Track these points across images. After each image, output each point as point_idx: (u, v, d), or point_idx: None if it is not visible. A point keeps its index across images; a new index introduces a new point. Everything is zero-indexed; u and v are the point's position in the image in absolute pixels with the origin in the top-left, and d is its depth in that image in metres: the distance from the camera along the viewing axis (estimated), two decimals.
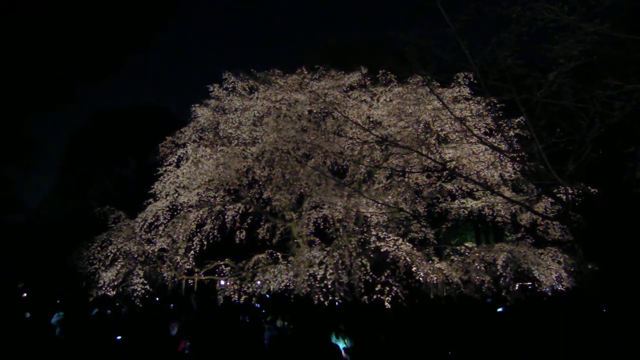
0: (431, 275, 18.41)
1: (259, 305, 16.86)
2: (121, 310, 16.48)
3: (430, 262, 19.00)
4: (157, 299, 20.00)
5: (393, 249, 18.11)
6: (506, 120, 17.73)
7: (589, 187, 15.72)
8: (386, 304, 16.91)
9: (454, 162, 18.69)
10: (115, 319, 14.68)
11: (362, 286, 18.65)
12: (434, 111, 19.34)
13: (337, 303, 17.41)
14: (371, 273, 18.50)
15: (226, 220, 20.56)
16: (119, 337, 10.54)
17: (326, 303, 17.36)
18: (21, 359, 9.51)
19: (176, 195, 20.08)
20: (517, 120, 17.50)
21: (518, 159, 12.94)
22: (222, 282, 22.29)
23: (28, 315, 15.00)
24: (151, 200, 20.55)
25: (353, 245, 18.82)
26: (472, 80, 18.92)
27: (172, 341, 10.49)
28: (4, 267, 34.20)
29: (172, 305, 16.76)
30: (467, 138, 17.71)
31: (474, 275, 19.01)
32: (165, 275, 20.09)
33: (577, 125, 9.31)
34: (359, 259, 18.65)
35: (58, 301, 18.71)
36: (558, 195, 12.11)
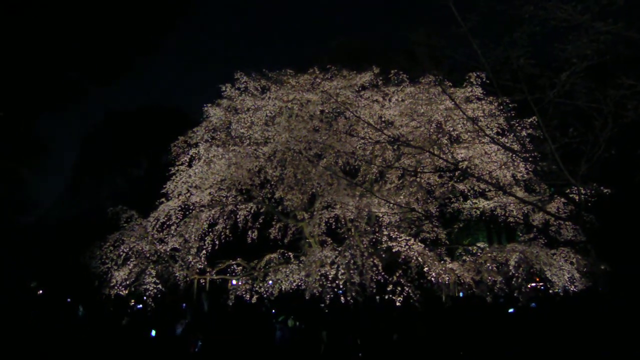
0: (443, 276, 18.38)
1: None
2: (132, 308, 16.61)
3: (442, 262, 18.96)
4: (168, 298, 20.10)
5: (405, 249, 18.09)
6: (518, 120, 17.69)
7: (602, 188, 15.64)
8: (397, 303, 16.93)
9: (466, 162, 18.65)
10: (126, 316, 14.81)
11: (374, 286, 18.63)
12: (446, 111, 19.29)
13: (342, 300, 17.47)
14: (383, 273, 18.48)
15: (238, 219, 20.59)
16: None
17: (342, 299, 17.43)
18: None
19: (188, 194, 20.13)
20: (529, 120, 17.46)
21: (530, 159, 12.93)
22: (234, 282, 22.32)
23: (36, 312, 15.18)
24: (163, 199, 20.62)
25: (365, 245, 18.81)
26: (484, 80, 18.85)
27: (176, 340, 10.53)
28: (17, 267, 34.44)
29: (184, 304, 16.86)
30: (480, 138, 17.67)
31: (486, 275, 18.96)
32: (177, 274, 20.13)
33: (590, 125, 9.27)
34: (371, 259, 18.63)
35: (69, 299, 18.89)
36: (571, 196, 12.08)
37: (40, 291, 30.28)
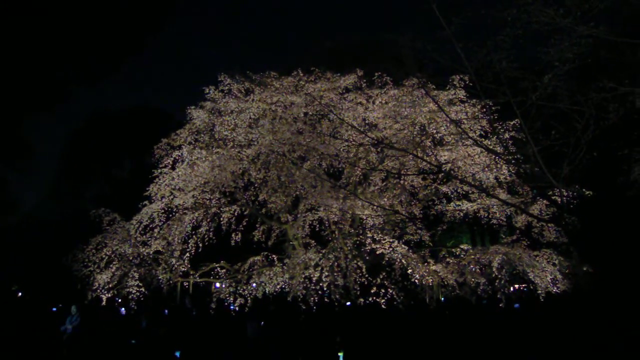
0: (427, 278, 18.42)
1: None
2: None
3: (426, 264, 18.99)
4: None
5: (389, 251, 18.12)
6: (501, 123, 17.78)
7: (584, 190, 15.75)
8: (382, 305, 16.93)
9: (449, 165, 18.69)
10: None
11: (358, 288, 18.65)
12: (430, 113, 19.36)
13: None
14: (367, 275, 18.50)
15: (222, 222, 20.50)
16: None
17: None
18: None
19: (171, 197, 20.04)
20: (512, 123, 17.55)
21: (513, 161, 12.99)
22: (218, 285, 22.22)
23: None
24: (146, 202, 20.49)
25: (349, 248, 18.84)
26: (467, 82, 18.92)
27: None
28: None
29: (166, 310, 16.70)
30: (463, 140, 17.74)
31: (469, 277, 19.01)
32: (160, 277, 20.01)
33: (572, 127, 9.34)
34: (355, 261, 18.65)
35: (55, 309, 18.68)
36: (553, 198, 12.13)
37: (20, 294, 30.00)
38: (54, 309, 18.76)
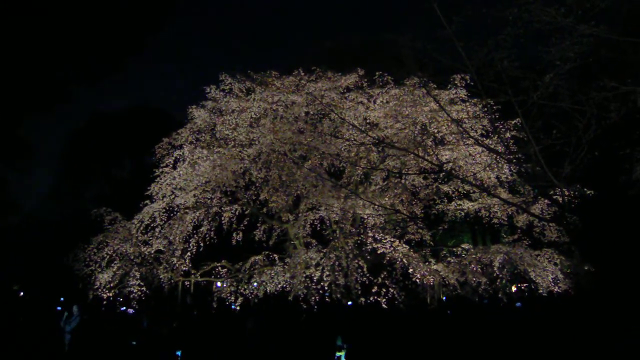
0: (428, 277, 18.41)
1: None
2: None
3: (427, 263, 18.99)
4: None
5: (390, 250, 18.11)
6: (502, 122, 17.78)
7: (585, 189, 15.73)
8: (383, 305, 16.92)
9: (450, 164, 18.68)
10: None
11: (359, 288, 18.64)
12: (431, 113, 19.35)
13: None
14: (368, 275, 18.49)
15: (223, 221, 20.48)
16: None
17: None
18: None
19: (173, 196, 20.03)
20: (513, 122, 17.55)
21: (514, 160, 13.00)
22: (219, 284, 22.21)
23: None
24: (147, 201, 20.50)
25: (350, 247, 18.82)
26: (468, 82, 18.89)
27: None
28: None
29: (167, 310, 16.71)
30: (464, 140, 17.74)
31: (470, 276, 19.00)
32: (161, 277, 20.01)
33: (574, 127, 9.33)
34: (356, 261, 18.64)
35: (59, 308, 18.68)
36: (554, 197, 12.13)
37: (22, 293, 30.04)
38: (59, 307, 18.76)
